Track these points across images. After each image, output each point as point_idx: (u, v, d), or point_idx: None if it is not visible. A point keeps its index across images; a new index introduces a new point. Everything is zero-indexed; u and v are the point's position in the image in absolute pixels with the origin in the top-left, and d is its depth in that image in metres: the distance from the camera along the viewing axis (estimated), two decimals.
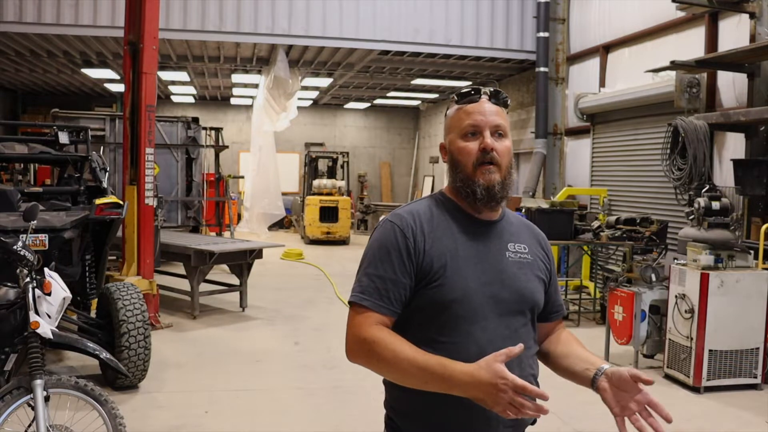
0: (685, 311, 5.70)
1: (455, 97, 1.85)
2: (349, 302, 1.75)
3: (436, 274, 1.71)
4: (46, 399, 3.21)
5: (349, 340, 1.72)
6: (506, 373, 1.49)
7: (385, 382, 1.83)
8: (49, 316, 3.40)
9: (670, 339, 5.94)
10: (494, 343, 1.68)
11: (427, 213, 1.81)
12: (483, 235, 1.81)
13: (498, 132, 1.78)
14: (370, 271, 1.74)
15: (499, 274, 1.77)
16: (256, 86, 16.13)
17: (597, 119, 10.14)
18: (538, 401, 1.50)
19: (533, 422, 1.83)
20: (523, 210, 8.18)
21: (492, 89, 1.83)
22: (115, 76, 14.44)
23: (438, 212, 1.82)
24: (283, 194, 16.34)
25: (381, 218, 1.85)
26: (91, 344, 3.73)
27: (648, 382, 1.59)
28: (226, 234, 12.82)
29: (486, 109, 1.79)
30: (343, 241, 16.08)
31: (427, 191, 20.00)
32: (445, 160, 1.87)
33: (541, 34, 11.00)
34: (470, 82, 15.14)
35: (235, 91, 18.47)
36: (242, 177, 15.91)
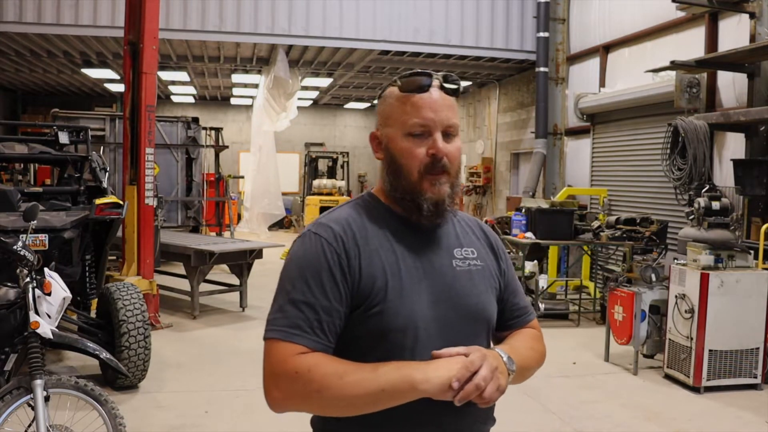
0: (685, 311, 5.70)
1: (399, 82, 1.51)
2: (268, 338, 1.40)
3: (376, 298, 1.42)
4: (46, 399, 3.21)
5: (273, 380, 1.37)
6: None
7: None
8: (49, 316, 3.40)
9: (670, 339, 5.94)
10: None
11: (358, 220, 1.51)
12: (425, 244, 1.53)
13: (449, 131, 1.49)
14: (296, 298, 1.41)
15: (447, 290, 1.50)
16: (256, 86, 16.12)
17: (597, 119, 10.14)
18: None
19: None
20: (523, 210, 8.19)
21: (444, 73, 1.52)
22: (115, 76, 14.43)
23: (369, 218, 1.52)
24: (283, 194, 16.34)
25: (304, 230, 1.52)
26: (91, 344, 3.74)
27: None
28: (226, 234, 12.82)
29: (438, 104, 1.48)
30: None
31: None
32: (377, 156, 1.55)
33: (541, 34, 10.99)
34: (470, 83, 15.14)
35: (235, 91, 18.47)
36: (242, 177, 15.92)
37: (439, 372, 1.34)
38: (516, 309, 1.66)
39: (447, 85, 1.50)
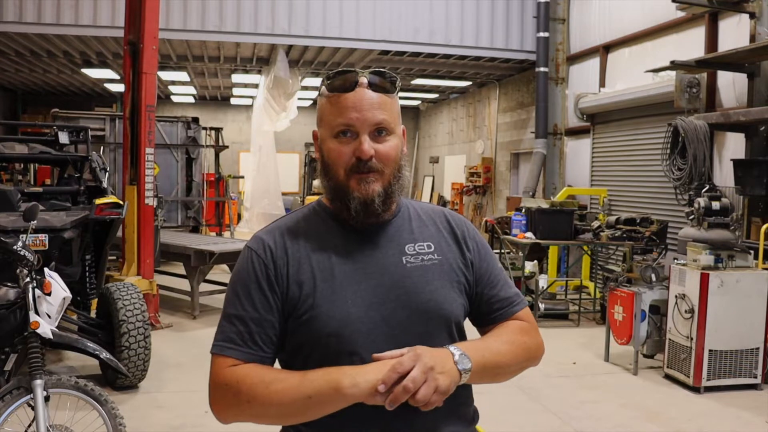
0: (685, 311, 5.70)
1: (326, 81, 1.47)
2: (211, 354, 1.48)
3: (305, 304, 1.41)
4: (46, 399, 3.21)
5: (211, 394, 1.45)
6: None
7: None
8: (49, 316, 3.40)
9: (670, 339, 5.94)
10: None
11: (294, 228, 1.49)
12: (369, 244, 1.47)
13: (379, 130, 1.43)
14: (230, 312, 1.47)
15: (393, 289, 1.43)
16: (256, 86, 16.13)
17: (597, 119, 10.14)
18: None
19: None
20: (523, 210, 8.18)
21: (373, 70, 1.46)
22: (115, 76, 14.43)
23: (310, 224, 1.50)
24: (283, 194, 16.32)
25: None
26: (91, 344, 3.74)
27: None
28: (226, 234, 12.83)
29: (364, 103, 1.42)
30: None
31: (427, 191, 20.00)
32: (317, 157, 1.53)
33: (541, 34, 10.99)
34: (470, 82, 15.14)
35: (235, 91, 18.47)
36: (242, 177, 15.92)
37: (368, 376, 1.29)
38: (496, 301, 1.55)
39: (374, 83, 1.44)
